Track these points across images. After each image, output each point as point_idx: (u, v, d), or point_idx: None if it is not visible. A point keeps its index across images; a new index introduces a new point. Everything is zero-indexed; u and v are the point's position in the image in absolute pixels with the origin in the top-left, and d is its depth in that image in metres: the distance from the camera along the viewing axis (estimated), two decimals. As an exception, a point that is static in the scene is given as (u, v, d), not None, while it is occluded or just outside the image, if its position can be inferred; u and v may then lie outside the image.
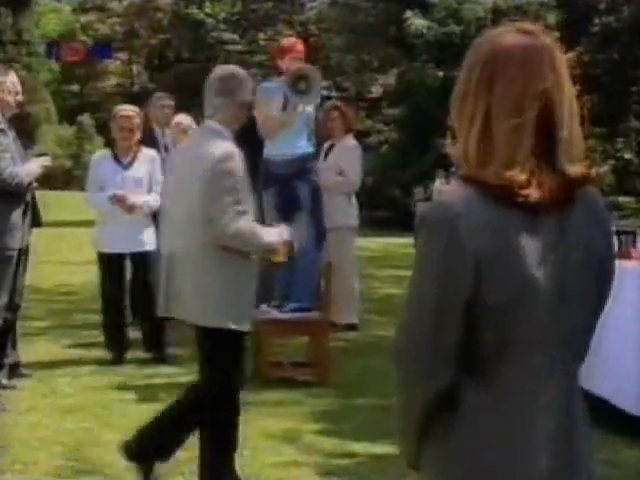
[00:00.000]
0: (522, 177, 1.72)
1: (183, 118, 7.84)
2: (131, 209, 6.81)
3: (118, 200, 6.79)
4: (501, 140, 1.75)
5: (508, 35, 1.80)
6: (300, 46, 6.93)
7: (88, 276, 9.69)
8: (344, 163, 8.11)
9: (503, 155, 1.74)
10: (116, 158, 6.97)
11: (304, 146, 6.77)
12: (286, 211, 6.70)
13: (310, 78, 6.54)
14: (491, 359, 1.76)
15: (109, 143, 7.33)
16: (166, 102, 8.49)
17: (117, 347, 7.00)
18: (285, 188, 6.69)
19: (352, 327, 8.21)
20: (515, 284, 1.72)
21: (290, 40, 7.31)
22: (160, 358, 6.96)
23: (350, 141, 8.31)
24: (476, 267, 1.71)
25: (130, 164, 6.97)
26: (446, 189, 1.92)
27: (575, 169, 1.77)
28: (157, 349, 7.01)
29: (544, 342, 1.76)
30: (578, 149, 1.79)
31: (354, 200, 8.37)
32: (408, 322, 1.79)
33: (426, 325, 1.75)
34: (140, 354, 7.03)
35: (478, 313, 1.73)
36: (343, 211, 8.06)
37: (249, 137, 7.23)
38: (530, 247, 1.73)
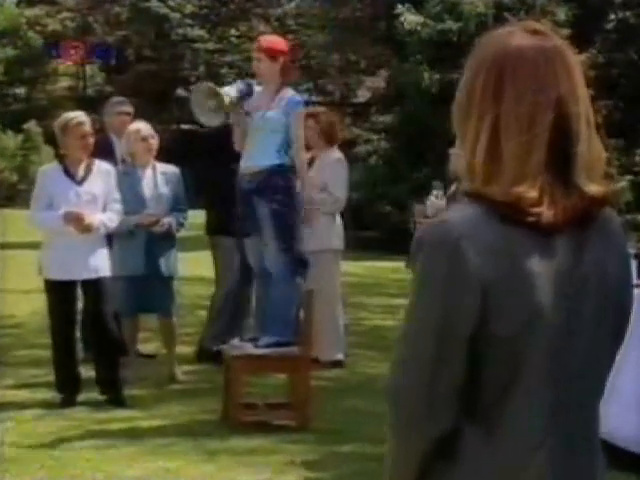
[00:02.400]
0: (532, 194, 1.73)
1: (142, 125, 7.79)
2: (86, 229, 6.79)
3: (73, 219, 6.76)
4: (510, 153, 1.76)
5: (515, 35, 1.80)
6: (276, 45, 6.83)
7: (35, 306, 9.63)
8: (328, 179, 8.08)
9: (512, 170, 1.75)
10: (68, 172, 6.95)
11: (271, 158, 6.56)
12: (241, 232, 6.66)
13: (220, 100, 6.52)
14: (494, 399, 1.76)
15: (60, 155, 7.33)
16: (124, 108, 8.44)
17: (68, 388, 6.95)
18: (244, 206, 6.62)
19: (337, 364, 8.20)
20: (524, 313, 1.73)
21: (265, 38, 7.27)
22: (115, 400, 6.92)
23: (333, 154, 8.30)
24: (482, 294, 1.71)
25: (84, 178, 6.95)
26: (441, 205, 1.92)
27: (594, 187, 1.78)
28: (112, 390, 6.97)
29: (554, 378, 1.77)
30: (598, 165, 1.80)
31: (339, 219, 8.36)
32: (404, 358, 1.78)
33: (425, 362, 1.75)
34: (93, 395, 6.98)
35: (483, 346, 1.74)
36: (326, 232, 8.04)
37: (224, 147, 7.23)
38: (542, 272, 1.74)
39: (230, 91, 6.57)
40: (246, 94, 6.64)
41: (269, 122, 6.57)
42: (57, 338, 6.95)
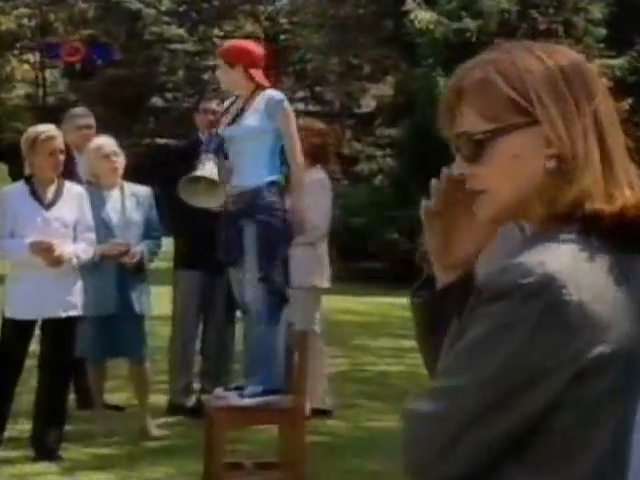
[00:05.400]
0: None
1: (105, 141, 7.76)
2: (57, 262, 6.79)
3: (42, 249, 6.76)
4: (619, 160, 1.79)
5: (560, 51, 1.85)
6: (233, 50, 6.79)
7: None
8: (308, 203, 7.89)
9: (623, 180, 1.77)
10: (35, 194, 6.96)
11: (259, 174, 6.53)
12: (228, 260, 6.67)
13: (207, 181, 6.69)
14: (551, 456, 1.73)
15: (19, 173, 7.34)
16: (84, 121, 8.41)
17: None
18: (229, 231, 6.62)
19: (322, 413, 8.20)
20: (616, 370, 1.71)
21: (229, 42, 7.28)
22: (39, 456, 6.87)
23: (314, 174, 8.12)
24: (577, 355, 1.67)
25: (53, 202, 6.97)
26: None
27: None
28: (40, 445, 6.92)
29: (624, 435, 1.76)
30: None
31: (321, 250, 8.29)
32: (448, 390, 1.73)
33: (464, 415, 1.71)
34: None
35: (552, 409, 1.70)
36: (305, 266, 7.83)
37: (192, 165, 7.26)
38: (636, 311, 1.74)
39: (208, 167, 6.62)
40: (217, 149, 6.71)
41: (249, 131, 6.55)
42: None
